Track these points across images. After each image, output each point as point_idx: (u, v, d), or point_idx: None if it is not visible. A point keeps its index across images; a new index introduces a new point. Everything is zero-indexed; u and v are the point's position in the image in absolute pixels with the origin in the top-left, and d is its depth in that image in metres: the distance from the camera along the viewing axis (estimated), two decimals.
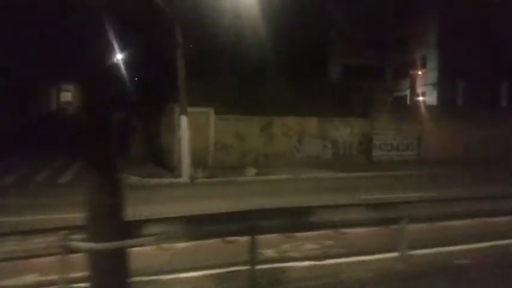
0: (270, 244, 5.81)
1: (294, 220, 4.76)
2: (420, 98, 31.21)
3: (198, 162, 14.65)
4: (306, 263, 5.39)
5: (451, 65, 30.59)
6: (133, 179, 12.52)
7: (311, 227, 4.97)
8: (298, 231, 5.65)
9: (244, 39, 18.37)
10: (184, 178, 12.76)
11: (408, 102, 33.04)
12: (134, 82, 18.94)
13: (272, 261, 5.44)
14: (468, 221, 6.82)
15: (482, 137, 18.36)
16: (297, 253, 5.94)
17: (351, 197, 9.72)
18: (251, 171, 13.75)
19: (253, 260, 4.41)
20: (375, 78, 36.29)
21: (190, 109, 15.16)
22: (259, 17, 18.25)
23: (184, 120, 12.92)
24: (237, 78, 16.84)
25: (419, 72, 33.58)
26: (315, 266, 5.32)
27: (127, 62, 19.23)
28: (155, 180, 12.54)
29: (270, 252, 5.79)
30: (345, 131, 17.37)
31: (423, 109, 18.97)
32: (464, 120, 18.48)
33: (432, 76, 32.74)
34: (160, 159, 15.39)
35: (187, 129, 12.93)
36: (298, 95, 16.57)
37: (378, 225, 5.88)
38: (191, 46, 13.90)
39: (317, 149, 17.01)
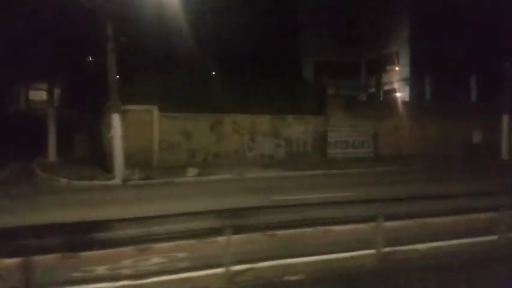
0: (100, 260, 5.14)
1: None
2: (398, 94, 31.00)
3: (142, 162, 14.15)
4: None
5: (422, 61, 30.39)
6: (62, 182, 11.97)
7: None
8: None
9: (198, 35, 17.75)
10: (117, 180, 12.20)
11: (381, 99, 32.78)
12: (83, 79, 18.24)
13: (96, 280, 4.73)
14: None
15: (443, 133, 18.11)
16: (130, 270, 5.05)
17: (264, 198, 9.27)
18: (192, 172, 13.25)
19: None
20: (350, 75, 36.18)
21: (132, 107, 14.65)
22: (214, 11, 17.67)
23: (115, 119, 12.36)
24: (186, 75, 16.25)
25: (396, 68, 33.34)
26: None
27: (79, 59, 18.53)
28: (83, 183, 11.96)
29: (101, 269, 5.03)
30: (299, 129, 16.96)
31: (383, 105, 18.60)
32: (425, 116, 18.20)
33: (405, 72, 32.54)
34: (101, 160, 14.80)
35: (120, 129, 12.38)
36: (253, 93, 16.13)
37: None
38: (123, 40, 13.22)
39: (270, 148, 16.59)
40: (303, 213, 5.29)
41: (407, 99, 30.09)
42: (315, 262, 5.30)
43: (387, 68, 34.18)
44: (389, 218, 6.16)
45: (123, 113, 14.54)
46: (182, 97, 15.07)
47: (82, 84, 18.02)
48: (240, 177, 13.24)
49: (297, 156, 16.85)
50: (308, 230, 6.36)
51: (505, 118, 17.64)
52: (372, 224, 5.65)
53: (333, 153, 17.36)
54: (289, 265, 5.15)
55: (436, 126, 18.19)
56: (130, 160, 14.00)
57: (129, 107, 14.75)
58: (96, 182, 12.24)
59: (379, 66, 34.84)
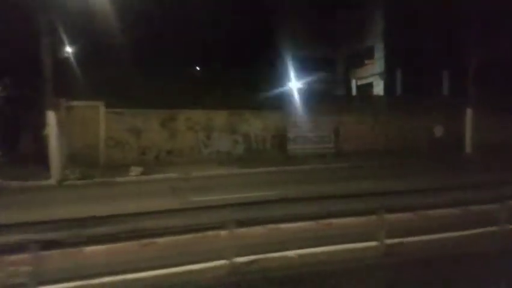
0: None
1: None
2: (374, 89, 30.63)
3: (88, 161, 13.48)
4: None
5: (396, 55, 30.07)
6: None
7: None
8: None
9: (152, 27, 16.98)
10: (52, 180, 11.51)
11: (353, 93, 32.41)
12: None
13: None
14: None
15: (406, 128, 17.75)
16: None
17: (183, 200, 8.72)
18: (135, 171, 12.62)
19: None
20: (327, 70, 35.69)
21: (77, 103, 13.96)
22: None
23: (50, 116, 11.65)
24: (137, 70, 15.53)
25: (371, 63, 32.96)
26: None
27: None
28: (16, 183, 11.24)
29: None
30: (257, 125, 16.41)
31: (345, 100, 18.12)
32: (388, 111, 17.81)
33: (380, 66, 32.16)
34: (45, 159, 14.06)
35: (55, 126, 11.68)
36: (210, 88, 15.52)
37: None
38: (59, 32, 12.47)
39: (227, 144, 16.01)
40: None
41: (381, 93, 29.85)
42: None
43: (363, 62, 33.84)
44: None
45: (67, 110, 13.88)
46: (133, 93, 14.42)
47: (31, 80, 17.14)
48: (185, 176, 12.63)
49: (256, 153, 16.31)
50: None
51: (469, 112, 17.32)
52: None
53: (294, 149, 16.86)
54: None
55: (400, 120, 17.82)
56: (76, 159, 13.36)
57: (74, 103, 14.09)
58: (30, 183, 11.53)
59: (355, 61, 34.48)
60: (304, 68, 28.67)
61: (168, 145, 15.17)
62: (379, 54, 32.38)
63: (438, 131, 16.94)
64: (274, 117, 16.62)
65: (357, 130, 17.50)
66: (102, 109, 14.31)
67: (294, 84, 21.14)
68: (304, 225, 6.53)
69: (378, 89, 31.64)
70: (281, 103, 16.70)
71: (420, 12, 27.91)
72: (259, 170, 13.72)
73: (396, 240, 5.60)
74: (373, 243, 5.39)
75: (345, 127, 17.49)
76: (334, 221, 6.71)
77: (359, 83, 34.79)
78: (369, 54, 33.54)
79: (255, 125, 16.35)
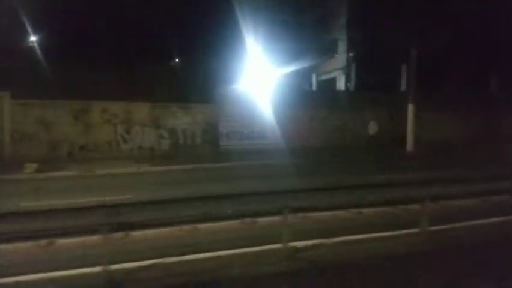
0: None
1: None
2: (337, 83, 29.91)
3: None
4: None
5: (358, 48, 29.37)
6: None
7: None
8: None
9: (67, 13, 15.62)
10: None
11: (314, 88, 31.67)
12: None
13: None
14: None
15: (344, 124, 16.96)
16: None
17: (45, 201, 7.69)
18: (30, 168, 11.47)
19: None
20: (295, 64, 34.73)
21: None
22: None
23: None
24: (51, 59, 14.27)
25: (335, 57, 32.16)
26: None
27: None
28: None
29: None
30: (185, 119, 15.35)
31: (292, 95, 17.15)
32: (328, 106, 16.97)
33: (342, 60, 31.42)
34: None
35: None
36: (134, 80, 14.38)
37: None
38: None
39: (150, 140, 14.93)
40: None
41: (343, 88, 29.22)
42: None
43: (327, 56, 33.08)
44: None
45: None
46: (45, 83, 13.21)
47: None
48: (85, 175, 11.53)
49: (184, 149, 15.28)
50: None
51: (411, 108, 16.59)
52: None
53: (227, 145, 15.90)
54: None
55: (343, 116, 17.02)
56: None
57: None
58: None
59: (320, 55, 33.67)
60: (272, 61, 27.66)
61: (82, 139, 14.02)
62: (342, 48, 31.63)
63: (373, 127, 16.13)
64: (205, 111, 15.59)
65: (296, 126, 16.61)
66: (7, 100, 13.07)
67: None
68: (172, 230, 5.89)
69: (341, 83, 30.98)
70: (215, 96, 15.67)
71: (381, 6, 27.20)
72: (174, 167, 12.71)
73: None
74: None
75: (283, 122, 16.58)
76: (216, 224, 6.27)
77: (324, 77, 34.06)
78: (333, 48, 32.78)
79: (183, 119, 15.29)
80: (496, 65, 25.62)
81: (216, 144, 15.72)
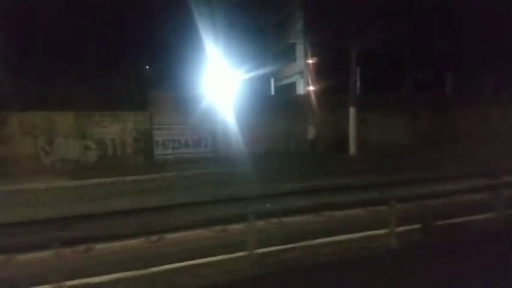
0: None
1: None
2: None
3: None
4: None
5: (315, 52, 29.26)
6: None
7: None
8: None
9: None
10: None
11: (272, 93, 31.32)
12: None
13: None
14: None
15: (287, 129, 16.49)
16: None
17: None
18: None
19: None
20: (259, 68, 34.32)
21: None
22: None
23: None
24: None
25: (294, 61, 31.96)
26: None
27: None
28: None
29: None
30: (114, 128, 14.50)
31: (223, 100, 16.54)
32: (270, 111, 16.47)
33: (300, 64, 31.27)
34: None
35: None
36: (58, 87, 13.49)
37: None
38: None
39: (76, 151, 14.00)
40: None
41: (302, 93, 29.00)
42: None
43: (287, 60, 32.93)
44: None
45: None
46: None
47: None
48: None
49: (114, 160, 14.43)
50: None
51: (352, 110, 16.28)
52: None
53: (162, 154, 15.14)
54: None
55: (283, 122, 16.56)
56: None
57: None
58: None
59: (280, 59, 33.51)
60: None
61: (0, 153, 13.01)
62: (300, 52, 31.50)
63: (312, 131, 15.74)
64: (136, 119, 14.80)
65: (240, 132, 16.03)
66: None
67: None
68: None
69: (300, 88, 30.77)
70: (148, 103, 14.92)
71: (333, 9, 27.18)
72: (92, 181, 11.85)
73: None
74: None
75: (223, 129, 15.98)
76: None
77: (285, 82, 33.83)
78: (292, 52, 32.65)
79: (111, 127, 14.45)
80: (452, 66, 25.92)
81: (150, 154, 14.94)
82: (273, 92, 30.72)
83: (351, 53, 16.42)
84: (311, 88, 25.98)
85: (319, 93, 24.38)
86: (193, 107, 15.59)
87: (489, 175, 7.82)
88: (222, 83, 21.51)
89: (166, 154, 15.12)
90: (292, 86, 32.55)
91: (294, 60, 32.04)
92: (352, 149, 16.10)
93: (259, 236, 5.08)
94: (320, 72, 28.82)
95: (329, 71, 28.73)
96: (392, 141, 18.45)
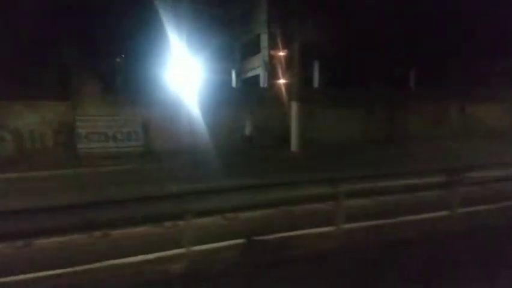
0: None
1: None
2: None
3: None
4: None
5: (280, 45, 28.48)
6: None
7: None
8: None
9: None
10: None
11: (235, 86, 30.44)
12: None
13: None
14: None
15: (227, 124, 15.63)
16: None
17: None
18: None
19: None
20: (222, 58, 33.32)
21: None
22: None
23: None
24: None
25: (259, 53, 31.02)
26: None
27: None
28: None
29: None
30: (33, 118, 13.41)
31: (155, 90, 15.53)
32: (217, 105, 15.55)
33: (264, 56, 30.38)
34: None
35: None
36: None
37: None
38: None
39: None
40: None
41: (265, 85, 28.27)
42: None
43: (253, 52, 32.00)
44: None
45: None
46: None
47: None
48: None
49: (32, 153, 13.34)
50: None
51: (294, 105, 15.51)
52: None
53: (86, 148, 14.12)
54: None
55: (222, 115, 15.69)
56: None
57: None
58: None
59: (247, 51, 32.57)
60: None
61: None
62: (264, 44, 30.63)
63: (248, 127, 14.90)
64: (57, 110, 13.72)
65: (173, 125, 15.11)
66: None
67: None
68: None
69: (264, 80, 29.95)
70: (66, 92, 13.83)
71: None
72: None
73: None
74: None
75: (156, 121, 15.02)
76: None
77: (250, 74, 32.94)
78: (256, 43, 31.76)
79: (30, 118, 13.35)
80: (415, 60, 25.43)
81: (72, 148, 13.89)
82: (234, 85, 29.78)
83: (308, 46, 15.69)
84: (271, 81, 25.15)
85: (275, 87, 23.64)
86: (127, 98, 14.59)
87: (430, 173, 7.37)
88: (172, 74, 20.44)
89: (91, 148, 14.09)
90: (257, 78, 31.70)
91: (258, 51, 31.15)
92: (294, 145, 15.36)
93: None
94: (281, 65, 28.08)
95: (290, 64, 28.00)
96: (343, 138, 17.80)
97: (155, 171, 11.76)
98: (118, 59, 15.85)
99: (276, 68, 28.99)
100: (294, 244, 5.26)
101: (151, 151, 14.73)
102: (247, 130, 14.68)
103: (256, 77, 31.83)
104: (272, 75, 28.97)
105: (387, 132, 18.97)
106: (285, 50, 28.44)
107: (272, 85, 23.61)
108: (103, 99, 14.21)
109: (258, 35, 30.84)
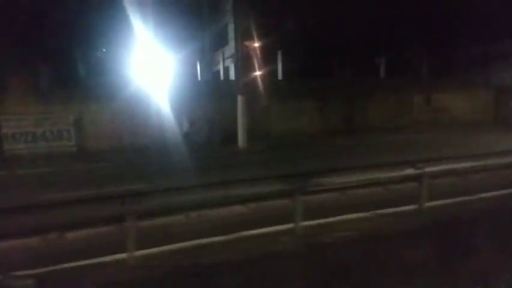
0: None
1: None
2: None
3: None
4: None
5: (247, 36, 27.46)
6: None
7: None
8: None
9: None
10: None
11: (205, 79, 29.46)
12: None
13: None
14: None
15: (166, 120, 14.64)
16: None
17: None
18: None
19: None
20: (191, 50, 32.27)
21: None
22: None
23: None
24: None
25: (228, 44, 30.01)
26: None
27: None
28: None
29: None
30: None
31: (93, 85, 14.54)
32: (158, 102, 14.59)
33: (231, 48, 29.38)
34: None
35: None
36: None
37: None
38: None
39: None
40: None
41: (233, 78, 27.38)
42: None
43: (222, 44, 31.06)
44: None
45: None
46: None
47: None
48: None
49: None
50: None
51: (240, 99, 14.56)
52: None
53: (13, 149, 13.14)
54: None
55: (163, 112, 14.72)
56: None
57: None
58: None
59: (216, 43, 31.54)
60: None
61: None
62: (231, 34, 29.62)
63: (186, 124, 13.89)
64: None
65: (111, 123, 14.15)
66: None
67: None
68: None
69: (233, 73, 29.09)
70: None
71: None
72: None
73: None
74: None
75: (91, 119, 14.05)
76: None
77: (220, 66, 32.02)
78: (225, 35, 30.81)
79: None
80: (381, 50, 24.58)
81: None
82: (199, 78, 28.84)
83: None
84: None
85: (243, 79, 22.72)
86: (60, 94, 13.60)
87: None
88: (120, 67, 19.38)
89: (18, 149, 13.11)
90: (227, 70, 30.82)
91: (227, 43, 30.22)
92: (242, 141, 14.47)
93: None
94: (249, 57, 27.12)
95: (255, 57, 27.11)
96: (299, 131, 16.97)
97: (83, 173, 10.85)
98: (53, 52, 14.75)
99: (243, 60, 28.03)
100: None
101: (84, 151, 13.79)
102: (184, 126, 13.71)
103: (225, 69, 30.93)
104: (239, 67, 28.01)
105: (347, 124, 18.16)
106: (252, 41, 27.53)
107: (239, 77, 22.58)
108: (32, 96, 13.19)
109: (226, 26, 29.86)
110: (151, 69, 17.95)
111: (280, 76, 23.84)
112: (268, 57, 25.81)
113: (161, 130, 14.22)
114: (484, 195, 6.69)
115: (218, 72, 31.65)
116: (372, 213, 5.93)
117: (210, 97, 15.73)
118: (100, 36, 21.00)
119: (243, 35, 29.90)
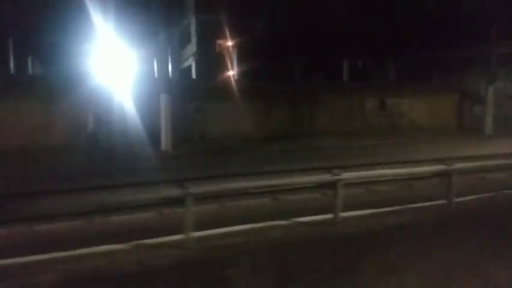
0: None
1: None
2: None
3: None
4: None
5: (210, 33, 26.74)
6: None
7: None
8: None
9: None
10: None
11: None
12: None
13: None
14: None
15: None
16: None
17: None
18: None
19: None
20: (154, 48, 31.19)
21: None
22: None
23: None
24: None
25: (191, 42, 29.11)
26: None
27: None
28: None
29: None
30: None
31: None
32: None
33: (193, 46, 28.55)
34: None
35: None
36: None
37: None
38: None
39: None
40: None
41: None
42: None
43: (186, 42, 30.08)
44: None
45: None
46: None
47: None
48: None
49: None
50: None
51: (163, 98, 13.58)
52: None
53: None
54: None
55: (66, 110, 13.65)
56: None
57: None
58: None
59: (180, 40, 30.52)
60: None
61: None
62: (193, 32, 28.80)
63: (91, 123, 12.74)
64: None
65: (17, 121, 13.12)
66: None
67: None
68: None
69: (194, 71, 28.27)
70: None
71: None
72: None
73: None
74: None
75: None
76: None
77: (185, 64, 30.94)
78: (189, 32, 29.82)
79: None
80: (341, 53, 23.77)
81: None
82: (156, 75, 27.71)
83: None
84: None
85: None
86: None
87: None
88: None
89: None
90: (189, 69, 29.77)
91: (189, 41, 29.21)
92: (165, 144, 13.48)
93: None
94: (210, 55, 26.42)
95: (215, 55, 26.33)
96: (239, 135, 16.02)
97: None
98: None
99: (204, 58, 27.20)
100: None
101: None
102: (89, 127, 12.55)
103: (189, 67, 29.94)
104: (201, 66, 27.19)
105: (292, 128, 17.25)
106: (213, 40, 26.72)
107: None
108: None
109: (189, 24, 28.89)
110: (106, 66, 16.83)
111: (236, 77, 22.95)
112: (226, 57, 24.99)
113: (69, 130, 13.18)
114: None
115: (186, 69, 30.43)
116: None
117: (142, 96, 14.67)
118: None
119: (204, 34, 29.03)
